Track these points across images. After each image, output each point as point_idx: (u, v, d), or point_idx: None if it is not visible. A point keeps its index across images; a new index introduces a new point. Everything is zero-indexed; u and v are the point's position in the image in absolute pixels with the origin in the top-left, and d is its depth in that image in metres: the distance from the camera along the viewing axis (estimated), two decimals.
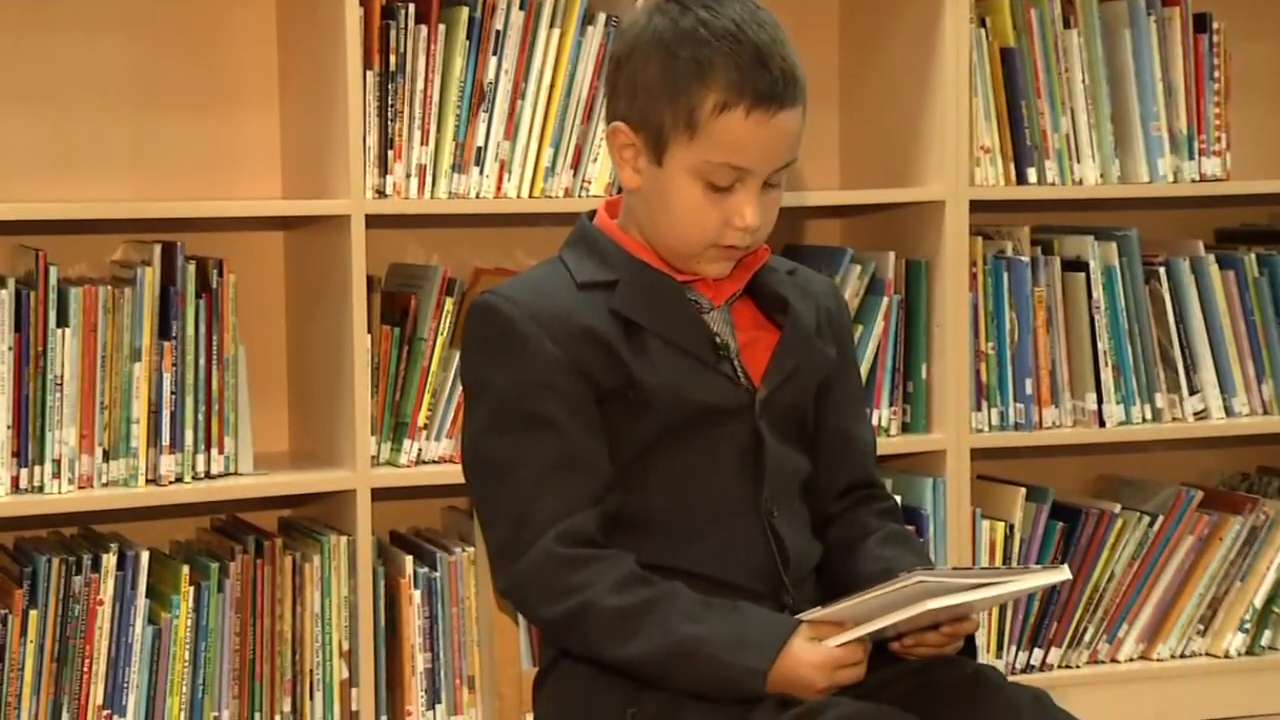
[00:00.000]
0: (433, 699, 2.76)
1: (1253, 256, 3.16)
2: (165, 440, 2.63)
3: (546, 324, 1.70)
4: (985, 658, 3.00)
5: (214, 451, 2.67)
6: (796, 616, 1.66)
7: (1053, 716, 1.67)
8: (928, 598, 1.58)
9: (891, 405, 2.98)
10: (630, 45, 1.74)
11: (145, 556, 2.61)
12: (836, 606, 1.64)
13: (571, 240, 1.81)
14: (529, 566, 1.67)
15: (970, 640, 1.73)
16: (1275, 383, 3.15)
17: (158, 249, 2.65)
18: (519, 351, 1.69)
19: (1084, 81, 3.04)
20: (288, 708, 2.69)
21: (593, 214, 1.82)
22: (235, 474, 2.69)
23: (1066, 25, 3.03)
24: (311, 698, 2.70)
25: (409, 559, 2.76)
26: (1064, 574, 1.66)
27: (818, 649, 1.62)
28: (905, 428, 3.00)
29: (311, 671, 2.70)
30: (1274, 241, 3.22)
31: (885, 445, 2.95)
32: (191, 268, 2.66)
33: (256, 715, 2.67)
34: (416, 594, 2.75)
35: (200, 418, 2.66)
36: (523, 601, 1.71)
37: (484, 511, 1.73)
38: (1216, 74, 3.12)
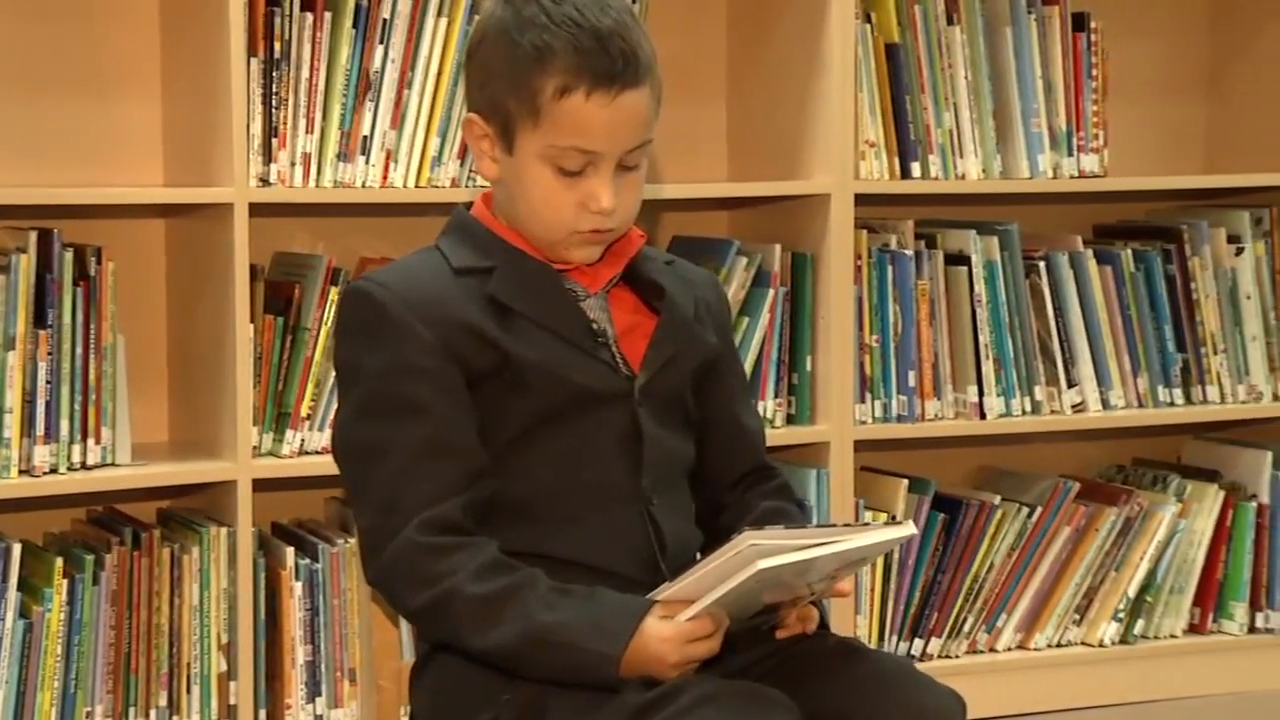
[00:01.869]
0: (313, 692, 2.74)
1: (1129, 252, 3.22)
2: (40, 430, 2.58)
3: (418, 308, 1.70)
4: None
5: (90, 442, 2.63)
6: (648, 596, 1.67)
7: (916, 683, 1.69)
8: (760, 559, 1.58)
9: (776, 397, 3.00)
10: (480, 36, 1.75)
11: (17, 549, 2.57)
12: (681, 581, 1.65)
13: (448, 229, 1.81)
14: (393, 556, 1.67)
15: (822, 617, 1.76)
16: (1150, 376, 3.21)
17: (34, 236, 2.60)
18: (390, 336, 1.69)
19: (966, 78, 3.08)
20: (163, 702, 2.66)
21: (469, 205, 1.82)
22: (113, 464, 2.66)
23: (949, 22, 3.07)
24: (189, 691, 2.67)
25: (290, 550, 2.74)
26: (907, 529, 1.67)
27: (668, 625, 1.63)
28: (790, 419, 3.03)
29: (189, 665, 2.67)
30: (1150, 238, 3.29)
31: (770, 437, 2.93)
32: (69, 255, 2.62)
33: (131, 710, 2.64)
34: (298, 586, 2.72)
35: (77, 407, 2.62)
36: (389, 591, 1.71)
37: (353, 498, 1.73)
38: (1094, 72, 3.18)
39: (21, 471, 2.59)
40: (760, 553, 1.58)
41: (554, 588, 1.66)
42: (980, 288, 3.08)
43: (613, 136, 1.70)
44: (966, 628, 3.12)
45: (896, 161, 3.04)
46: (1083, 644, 3.19)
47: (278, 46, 2.70)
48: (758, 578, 1.59)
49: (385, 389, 1.69)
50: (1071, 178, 3.16)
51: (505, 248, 1.76)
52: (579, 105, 1.68)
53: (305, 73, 2.72)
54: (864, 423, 3.03)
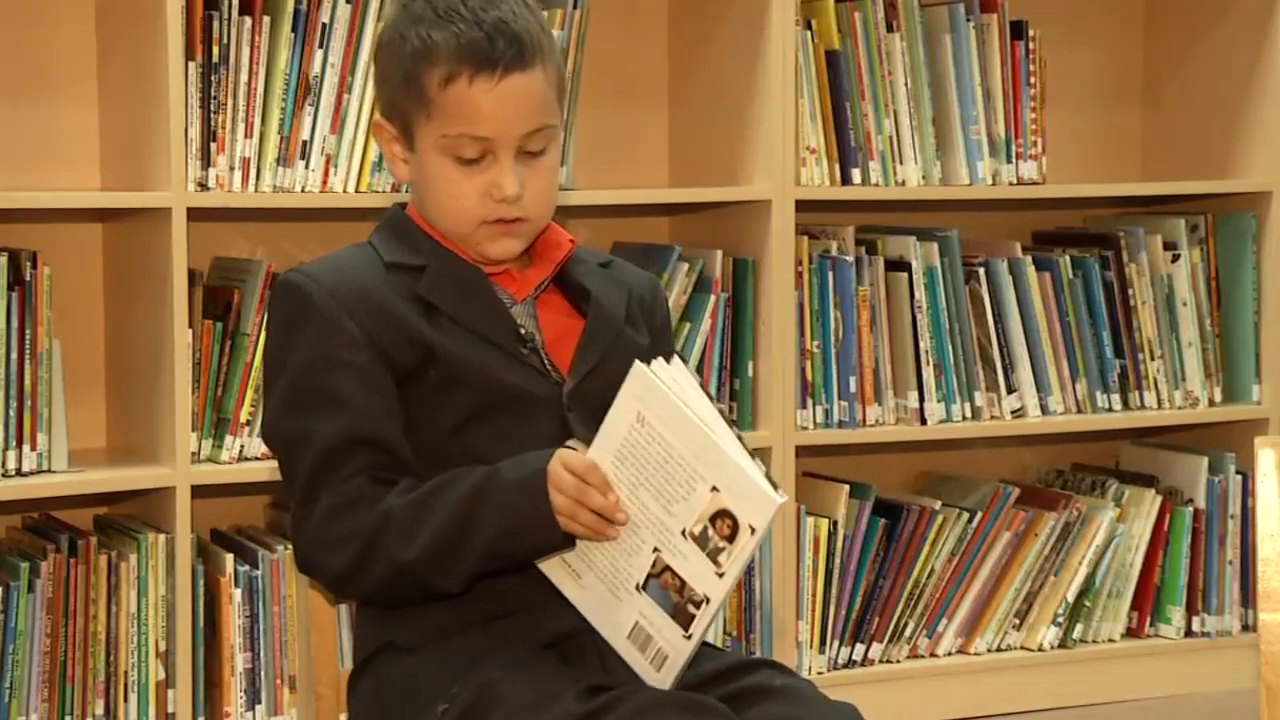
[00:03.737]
0: (252, 699, 2.72)
1: (1067, 258, 3.25)
2: None
3: (346, 301, 1.71)
4: (809, 654, 3.04)
5: (26, 448, 2.61)
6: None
7: None
8: (645, 376, 1.58)
9: (718, 402, 3.00)
10: (379, 41, 1.79)
11: None
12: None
13: (382, 225, 1.82)
14: (311, 531, 1.69)
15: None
16: (1088, 382, 3.24)
17: None
18: (316, 328, 1.70)
19: (906, 85, 3.09)
20: (100, 710, 2.63)
21: (405, 205, 1.82)
22: (49, 471, 2.63)
23: (889, 29, 3.09)
24: (126, 700, 2.64)
25: (229, 557, 2.72)
26: (776, 497, 1.58)
27: (567, 458, 1.63)
28: (731, 424, 3.02)
29: (126, 673, 2.65)
30: (1088, 244, 3.31)
31: None
32: (4, 260, 2.59)
33: (68, 718, 2.61)
34: (237, 592, 2.71)
35: (12, 413, 2.59)
36: (316, 569, 1.71)
37: (284, 487, 1.75)
38: (1033, 79, 3.20)
39: None
40: (647, 377, 1.59)
41: (473, 469, 1.66)
42: (920, 294, 3.10)
43: (502, 121, 1.71)
44: (907, 632, 3.13)
45: (837, 168, 3.05)
46: (1022, 648, 3.21)
47: (216, 50, 2.68)
48: (635, 392, 1.58)
49: (308, 382, 1.70)
50: (1010, 185, 3.18)
51: (437, 248, 1.76)
52: (463, 91, 1.70)
53: (244, 77, 2.71)
54: (805, 428, 3.04)
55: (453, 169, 1.72)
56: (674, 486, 1.60)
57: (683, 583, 1.61)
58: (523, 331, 1.75)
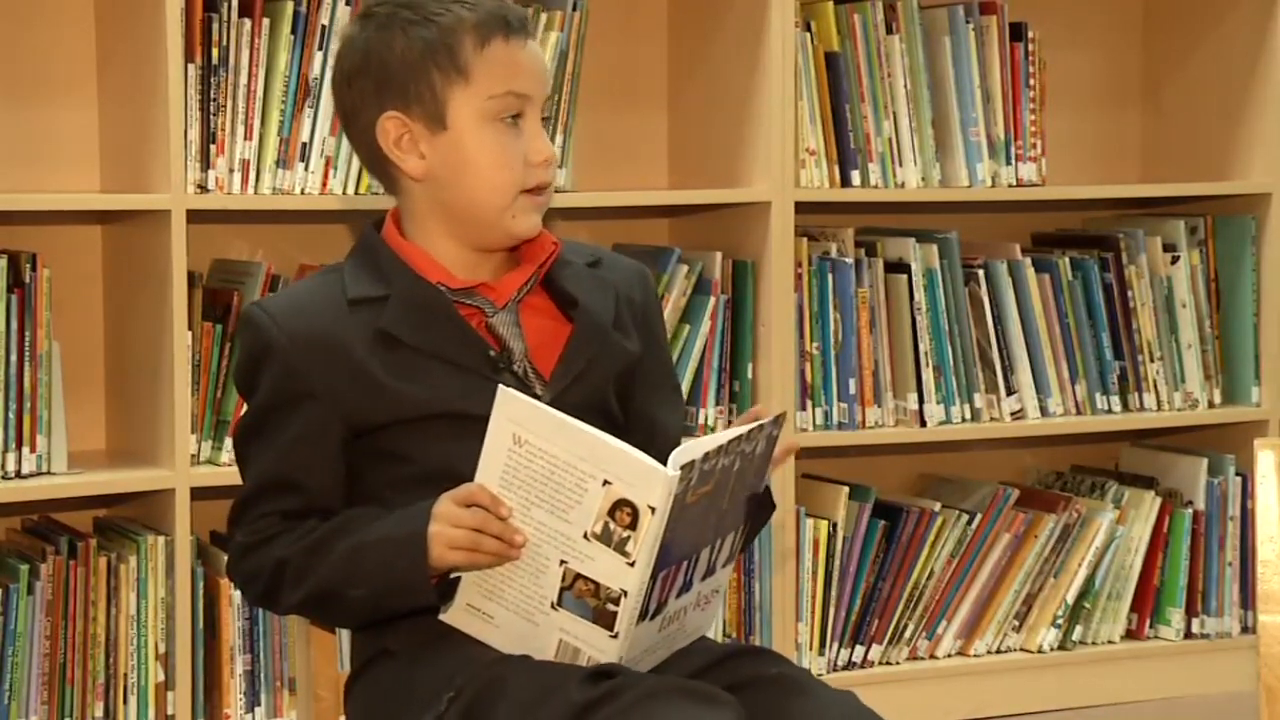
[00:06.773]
0: (252, 701, 2.72)
1: (1067, 260, 3.25)
2: None
3: (305, 347, 1.71)
4: (808, 656, 3.04)
5: (25, 450, 2.61)
6: None
7: (858, 714, 1.68)
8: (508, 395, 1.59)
9: (718, 404, 3.00)
10: (359, 53, 1.76)
11: None
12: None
13: (354, 249, 1.80)
14: (229, 563, 1.76)
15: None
16: (1088, 383, 3.24)
17: None
18: (272, 374, 1.72)
19: (906, 86, 3.09)
20: (100, 713, 2.63)
21: (381, 222, 1.80)
22: (48, 473, 2.63)
23: (889, 31, 3.09)
24: (125, 702, 2.65)
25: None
26: (665, 471, 1.57)
27: (453, 491, 1.64)
28: (730, 427, 3.02)
29: (126, 675, 2.65)
30: (1087, 246, 3.32)
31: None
32: (3, 261, 2.59)
33: None
34: (236, 595, 2.71)
35: (11, 415, 2.59)
36: (241, 593, 1.81)
37: None
38: (1032, 81, 3.20)
39: None
40: (514, 396, 1.60)
41: (369, 514, 1.69)
42: (920, 296, 3.10)
43: (535, 79, 1.75)
44: (907, 634, 3.13)
45: (836, 170, 3.05)
46: (1022, 650, 3.21)
47: (215, 52, 2.69)
48: (507, 414, 1.59)
49: (261, 420, 1.74)
50: (1009, 186, 3.18)
51: (404, 273, 1.74)
52: (501, 49, 1.73)
53: (244, 79, 2.71)
54: (805, 430, 3.04)
55: (498, 134, 1.72)
56: (565, 494, 1.60)
57: (597, 585, 1.61)
58: (492, 353, 1.73)
